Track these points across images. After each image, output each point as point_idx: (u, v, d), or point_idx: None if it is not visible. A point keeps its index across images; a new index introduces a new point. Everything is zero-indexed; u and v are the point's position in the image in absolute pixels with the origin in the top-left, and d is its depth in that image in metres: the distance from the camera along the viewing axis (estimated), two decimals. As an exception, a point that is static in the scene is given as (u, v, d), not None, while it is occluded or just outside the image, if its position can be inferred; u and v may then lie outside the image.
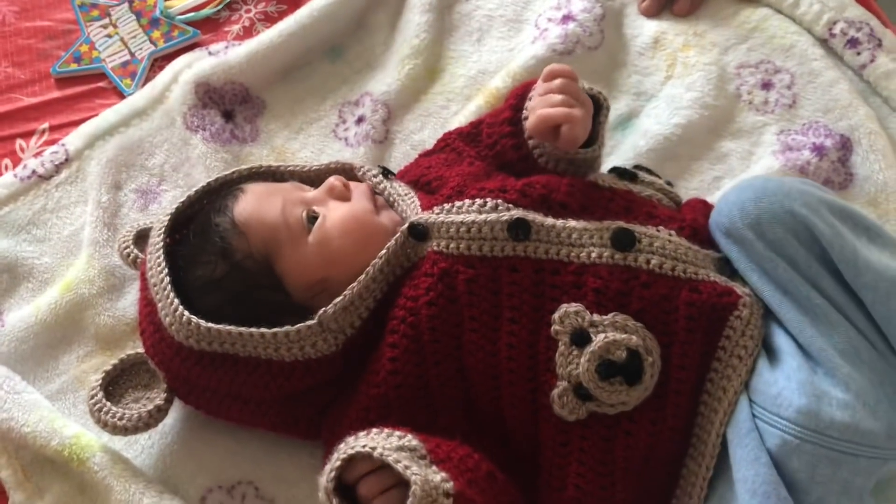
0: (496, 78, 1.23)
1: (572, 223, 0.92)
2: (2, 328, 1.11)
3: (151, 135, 1.24)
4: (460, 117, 1.21)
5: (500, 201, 0.93)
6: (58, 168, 1.23)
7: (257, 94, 1.28)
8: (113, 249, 1.14)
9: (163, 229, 0.98)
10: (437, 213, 0.94)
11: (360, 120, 1.24)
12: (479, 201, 0.94)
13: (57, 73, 1.34)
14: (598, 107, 1.00)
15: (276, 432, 0.99)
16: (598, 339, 0.86)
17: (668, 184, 1.06)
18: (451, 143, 1.09)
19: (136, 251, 1.06)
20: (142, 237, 1.07)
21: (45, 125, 1.29)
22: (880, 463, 0.84)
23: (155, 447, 1.02)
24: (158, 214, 1.09)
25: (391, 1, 1.34)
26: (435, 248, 0.92)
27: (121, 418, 0.93)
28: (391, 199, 1.01)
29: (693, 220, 0.95)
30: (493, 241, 0.91)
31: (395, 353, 0.90)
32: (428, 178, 1.03)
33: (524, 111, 1.01)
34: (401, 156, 1.21)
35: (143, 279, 0.98)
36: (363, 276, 0.92)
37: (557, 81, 0.97)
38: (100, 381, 0.96)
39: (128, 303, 1.12)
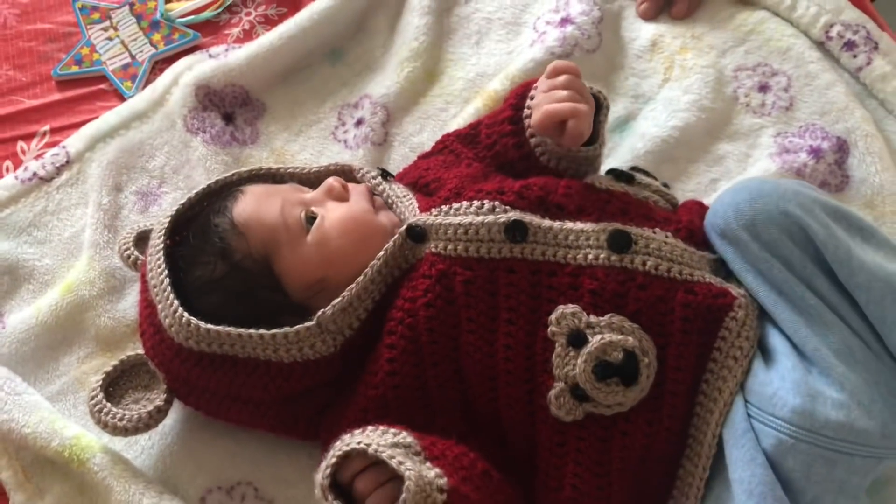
0: (494, 81, 1.24)
1: (569, 225, 0.92)
2: (3, 330, 1.11)
3: (152, 137, 1.25)
4: (459, 120, 1.21)
5: (497, 203, 0.94)
6: (59, 170, 1.23)
7: (257, 97, 1.29)
8: (113, 251, 1.15)
9: (163, 231, 0.99)
10: (435, 215, 0.95)
11: (359, 122, 1.25)
12: (476, 203, 0.94)
13: (58, 76, 1.34)
14: (599, 105, 1.01)
15: (275, 433, 0.99)
16: (595, 341, 0.86)
17: (665, 185, 1.07)
18: (450, 145, 1.10)
19: (136, 253, 1.07)
20: (142, 239, 1.08)
21: (46, 127, 1.30)
22: (875, 462, 0.85)
23: (155, 448, 1.03)
24: (159, 216, 1.10)
25: (391, 4, 1.34)
26: (433, 249, 0.93)
27: (121, 419, 0.94)
28: (390, 200, 1.02)
29: (689, 222, 0.96)
30: (490, 243, 0.91)
31: (392, 354, 0.91)
32: (426, 179, 1.04)
33: (526, 110, 1.01)
34: (399, 158, 1.22)
35: (144, 281, 0.98)
36: (361, 277, 0.92)
37: (562, 77, 0.98)
38: (100, 382, 0.96)
39: (128, 304, 1.12)
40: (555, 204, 0.95)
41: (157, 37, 1.36)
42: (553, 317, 0.88)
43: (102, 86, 1.33)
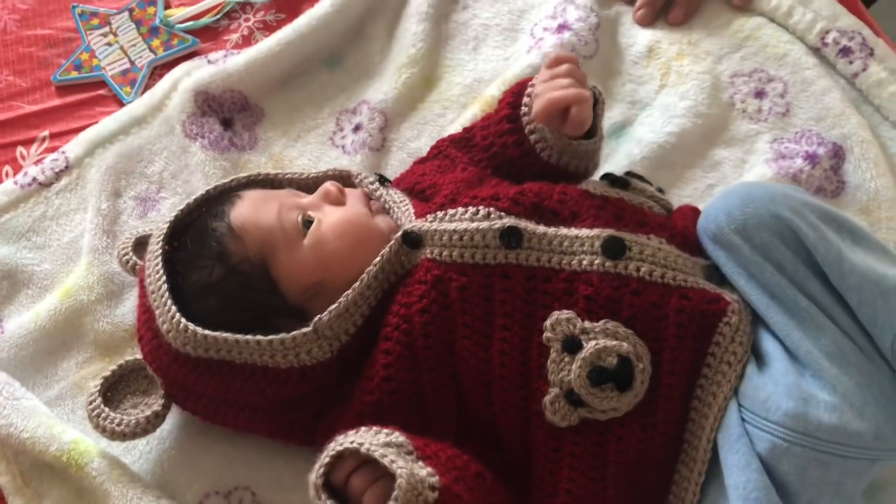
0: (492, 86, 1.24)
1: (564, 231, 0.92)
2: (1, 334, 1.11)
3: (151, 142, 1.25)
4: (456, 125, 1.21)
5: (492, 209, 0.94)
6: (58, 175, 1.23)
7: (256, 102, 1.29)
8: (112, 256, 1.15)
9: (162, 237, 0.99)
10: (431, 221, 0.95)
11: (357, 128, 1.25)
12: (471, 209, 0.94)
13: (57, 81, 1.34)
14: (595, 100, 1.01)
15: (272, 438, 0.99)
16: (590, 346, 0.86)
17: (660, 190, 1.07)
18: (444, 150, 1.10)
19: (135, 258, 1.07)
20: (141, 244, 1.08)
21: (46, 133, 1.30)
22: (869, 464, 0.85)
23: (153, 452, 1.03)
24: (157, 222, 1.10)
25: (388, 10, 1.35)
26: (428, 255, 0.93)
27: (119, 424, 0.94)
28: (387, 205, 1.02)
29: (684, 228, 0.96)
30: (485, 249, 0.92)
31: (388, 359, 0.91)
32: (422, 185, 1.04)
33: (523, 107, 1.02)
34: (397, 163, 1.22)
35: (142, 286, 0.99)
36: (358, 283, 0.93)
37: (564, 66, 0.98)
38: (98, 387, 0.97)
39: (126, 309, 1.13)
40: (549, 210, 0.95)
41: (156, 42, 1.37)
42: (548, 322, 0.88)
43: (102, 91, 1.34)
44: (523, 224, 0.92)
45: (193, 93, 1.25)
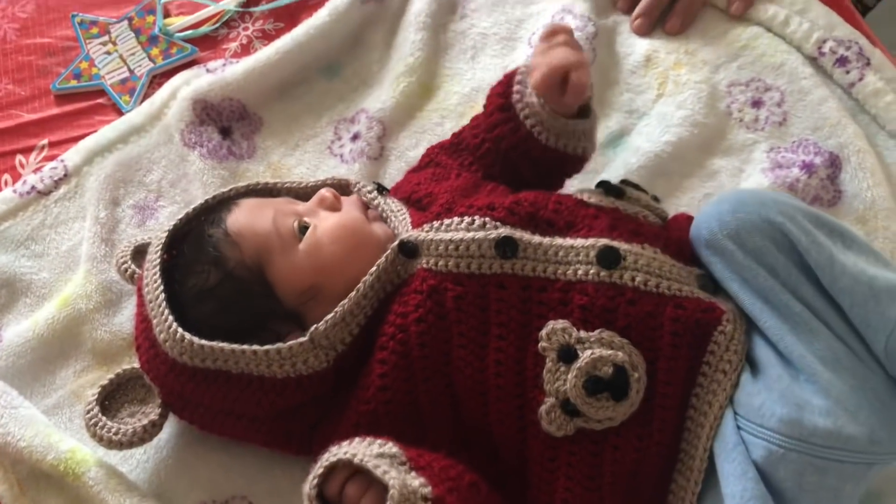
0: (490, 95, 1.24)
1: (559, 241, 0.93)
2: (-1, 343, 1.12)
3: (149, 151, 1.25)
4: (454, 134, 1.22)
5: (487, 219, 0.94)
6: (57, 184, 1.24)
7: (254, 111, 1.29)
8: (110, 265, 1.15)
9: (160, 246, 0.99)
10: (427, 231, 0.95)
11: (355, 137, 1.26)
12: (467, 219, 0.95)
13: (57, 90, 1.35)
14: None
15: (269, 448, 0.99)
16: (585, 356, 0.86)
17: (655, 199, 1.07)
18: (435, 158, 1.10)
19: (133, 267, 1.07)
20: (139, 253, 1.08)
21: (45, 141, 1.31)
22: (865, 468, 0.84)
23: (150, 462, 1.03)
24: (156, 230, 1.10)
25: (386, 19, 1.35)
26: (424, 265, 0.93)
27: (116, 433, 0.94)
28: (384, 214, 1.02)
29: (678, 237, 0.96)
30: (480, 259, 0.92)
31: (384, 369, 0.91)
32: (419, 194, 1.04)
33: (514, 95, 1.01)
34: (395, 172, 1.22)
35: (140, 295, 0.99)
36: (354, 292, 0.93)
37: (560, 36, 0.99)
38: (96, 396, 0.97)
39: (124, 318, 1.13)
40: (545, 219, 0.95)
41: (155, 51, 1.37)
42: (543, 332, 0.88)
43: (101, 100, 1.34)
44: (518, 234, 0.93)
45: (192, 101, 1.25)
